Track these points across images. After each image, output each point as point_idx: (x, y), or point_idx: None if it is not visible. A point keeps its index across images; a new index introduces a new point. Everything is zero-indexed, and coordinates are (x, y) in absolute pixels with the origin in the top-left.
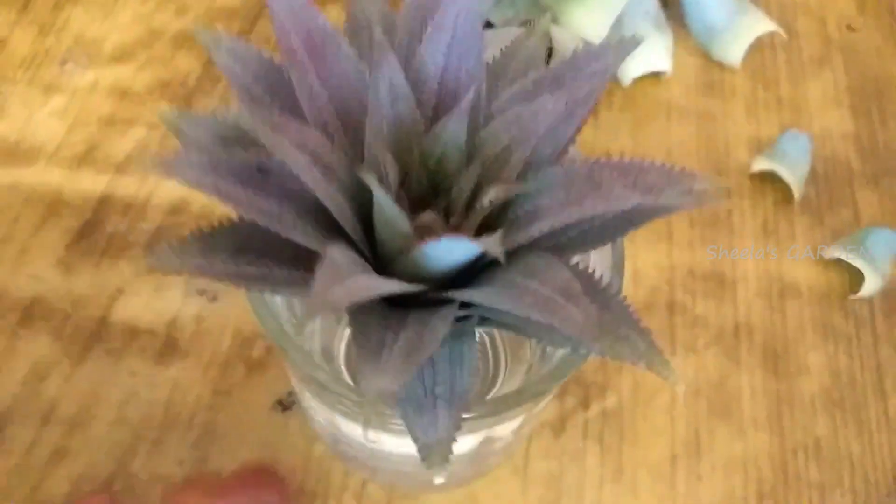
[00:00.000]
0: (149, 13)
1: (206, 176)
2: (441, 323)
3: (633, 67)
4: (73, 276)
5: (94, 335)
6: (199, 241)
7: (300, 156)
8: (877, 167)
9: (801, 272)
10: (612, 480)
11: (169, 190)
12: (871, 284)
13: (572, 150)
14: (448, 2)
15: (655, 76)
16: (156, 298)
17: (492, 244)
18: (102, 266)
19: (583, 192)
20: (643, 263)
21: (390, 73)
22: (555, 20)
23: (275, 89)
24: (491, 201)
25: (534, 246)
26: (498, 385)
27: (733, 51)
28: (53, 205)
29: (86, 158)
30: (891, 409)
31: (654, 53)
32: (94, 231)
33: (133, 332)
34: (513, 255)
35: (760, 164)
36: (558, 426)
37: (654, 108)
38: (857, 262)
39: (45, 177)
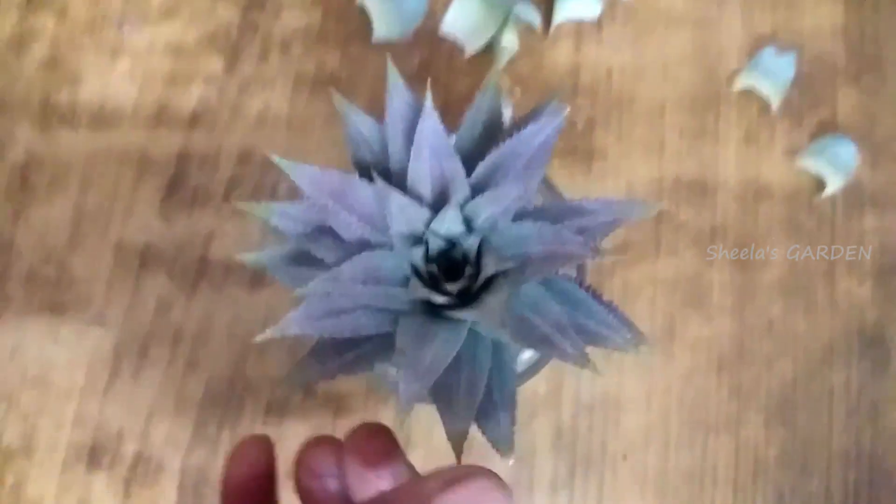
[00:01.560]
0: None
1: (309, 325)
2: (456, 340)
3: None
4: (172, 225)
5: (199, 272)
6: (311, 357)
7: (359, 287)
8: (861, 63)
9: (776, 175)
10: (604, 364)
11: (234, 142)
12: (832, 186)
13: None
14: (420, 130)
15: None
16: (240, 239)
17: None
18: (194, 215)
19: (552, 242)
20: (638, 177)
21: (397, 199)
22: None
23: (322, 225)
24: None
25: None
26: None
27: None
28: (142, 163)
29: (159, 117)
30: (837, 293)
31: None
32: (181, 184)
33: (228, 268)
34: (515, 276)
35: (741, 83)
36: None
37: (654, 18)
38: (819, 169)
39: (131, 138)
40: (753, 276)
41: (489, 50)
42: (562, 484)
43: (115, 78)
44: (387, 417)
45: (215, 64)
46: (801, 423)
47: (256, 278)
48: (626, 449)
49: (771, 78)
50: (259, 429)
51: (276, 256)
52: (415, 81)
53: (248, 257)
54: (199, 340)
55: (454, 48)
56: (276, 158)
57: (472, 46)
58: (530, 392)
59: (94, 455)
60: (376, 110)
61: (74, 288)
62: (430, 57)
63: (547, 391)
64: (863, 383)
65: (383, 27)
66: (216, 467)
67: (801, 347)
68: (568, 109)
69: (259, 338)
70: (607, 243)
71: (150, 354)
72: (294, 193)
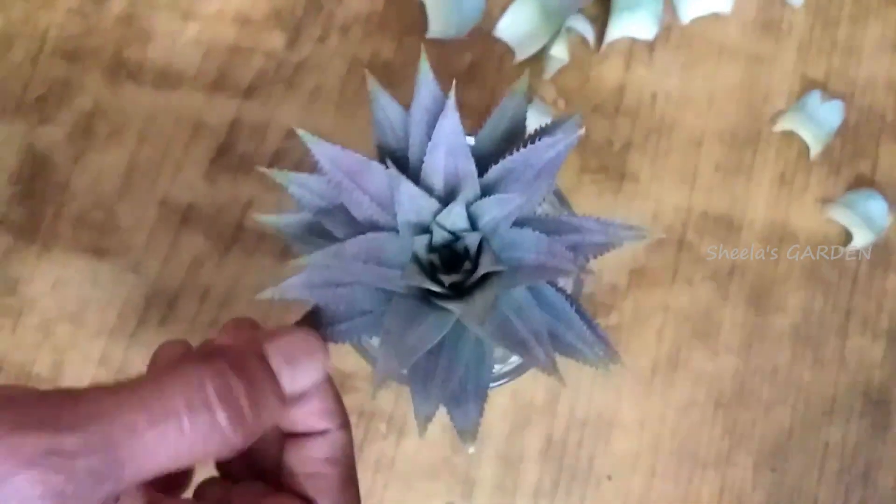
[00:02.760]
0: None
1: (307, 292)
2: (442, 327)
3: (694, 7)
4: (216, 187)
5: (234, 236)
6: (305, 322)
7: (359, 265)
8: None
9: (804, 222)
10: (602, 383)
11: (284, 117)
12: (859, 241)
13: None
14: (440, 127)
15: (715, 13)
16: (277, 209)
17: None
18: (238, 180)
19: (544, 253)
20: (666, 204)
21: (407, 188)
22: None
23: (336, 201)
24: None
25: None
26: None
27: None
28: (197, 126)
29: (217, 84)
30: (847, 348)
31: None
32: (230, 150)
33: (261, 236)
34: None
35: (783, 124)
36: None
37: (707, 48)
38: (846, 222)
39: (189, 100)
40: (766, 319)
41: (539, 58)
42: (544, 494)
43: (183, 41)
44: (387, 398)
45: (277, 39)
46: (790, 472)
47: (286, 250)
48: (613, 470)
49: (814, 123)
50: None
51: (292, 223)
52: (463, 80)
53: (266, 219)
54: (225, 301)
55: (506, 51)
56: (299, 132)
57: (522, 52)
58: (527, 399)
59: None
60: None
61: (118, 235)
62: (480, 57)
63: (544, 401)
64: (859, 443)
65: (439, 23)
66: None
67: (803, 398)
68: (583, 131)
69: (259, 295)
70: (622, 269)
71: (177, 307)
72: None
